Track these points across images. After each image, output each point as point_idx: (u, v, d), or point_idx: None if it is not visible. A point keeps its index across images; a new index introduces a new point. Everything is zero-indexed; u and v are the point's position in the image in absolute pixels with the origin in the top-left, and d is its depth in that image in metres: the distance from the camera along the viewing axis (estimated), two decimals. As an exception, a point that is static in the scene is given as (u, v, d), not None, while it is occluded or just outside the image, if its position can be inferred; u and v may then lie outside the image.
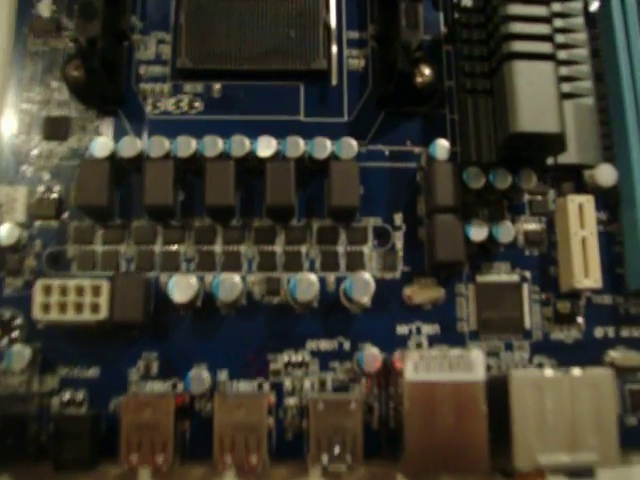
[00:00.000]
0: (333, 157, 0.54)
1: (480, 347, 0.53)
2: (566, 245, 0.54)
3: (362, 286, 0.51)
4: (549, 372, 0.46)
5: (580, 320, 0.54)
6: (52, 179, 0.55)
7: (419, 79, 0.54)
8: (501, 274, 0.55)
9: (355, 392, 0.52)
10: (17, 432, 0.49)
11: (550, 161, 0.55)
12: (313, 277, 0.51)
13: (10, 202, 0.54)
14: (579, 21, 0.56)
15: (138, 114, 0.56)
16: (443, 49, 0.58)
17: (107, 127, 0.56)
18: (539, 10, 0.52)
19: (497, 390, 0.47)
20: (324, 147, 0.53)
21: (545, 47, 0.52)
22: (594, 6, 0.60)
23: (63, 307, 0.51)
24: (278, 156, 0.54)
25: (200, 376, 0.51)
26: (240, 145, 0.53)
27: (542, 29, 0.52)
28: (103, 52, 0.53)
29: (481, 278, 0.54)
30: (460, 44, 0.56)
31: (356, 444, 0.48)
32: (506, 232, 0.53)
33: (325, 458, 0.48)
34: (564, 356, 0.53)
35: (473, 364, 0.46)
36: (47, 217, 0.54)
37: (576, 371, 0.46)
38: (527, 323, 0.54)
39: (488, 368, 0.51)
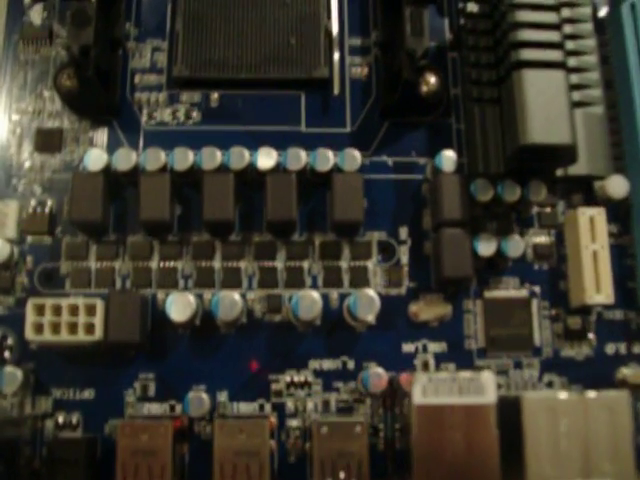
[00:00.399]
0: (336, 169, 0.52)
1: (488, 365, 0.51)
2: (577, 259, 0.52)
3: (367, 304, 0.49)
4: (563, 394, 0.45)
5: (591, 336, 0.53)
6: (44, 193, 0.53)
7: (424, 88, 0.53)
8: (509, 289, 0.53)
9: (360, 414, 0.50)
10: (9, 457, 0.47)
11: (559, 172, 0.53)
12: (316, 294, 0.49)
13: (0, 217, 0.52)
14: (588, 27, 0.54)
15: (133, 125, 0.54)
16: (448, 56, 0.56)
17: (101, 138, 0.54)
18: (549, 17, 0.51)
19: (508, 412, 0.45)
20: (327, 159, 0.51)
21: (555, 55, 0.50)
22: (603, 12, 0.58)
23: (56, 327, 0.49)
24: (279, 168, 0.52)
25: (199, 398, 0.49)
26: (239, 157, 0.51)
27: (552, 36, 0.50)
28: (97, 60, 0.51)
29: (489, 294, 0.53)
30: (466, 51, 0.54)
31: (362, 468, 0.47)
32: (515, 246, 0.52)
33: (330, 484, 0.46)
34: (575, 374, 0.52)
35: (484, 387, 0.45)
36: (39, 233, 0.52)
37: (591, 393, 0.45)
38: (537, 340, 0.52)
39: (497, 387, 0.49)
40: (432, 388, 0.45)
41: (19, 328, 0.50)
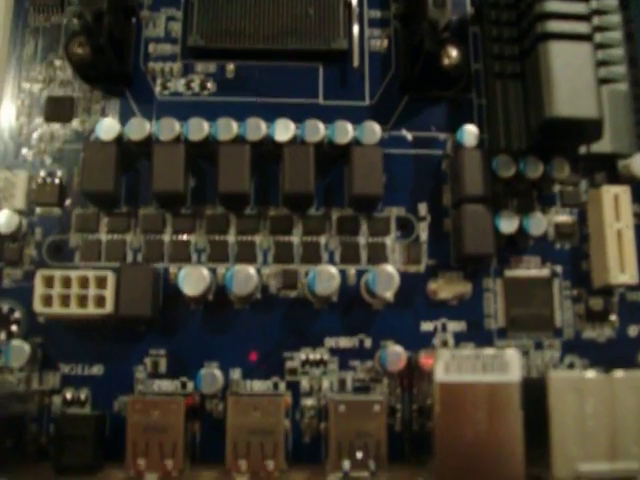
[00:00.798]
0: (355, 142, 0.50)
1: (508, 346, 0.50)
2: (600, 238, 0.51)
3: (386, 280, 0.48)
4: (590, 374, 0.43)
5: (613, 318, 0.51)
6: (54, 163, 0.52)
7: (446, 61, 0.51)
8: (531, 268, 0.51)
9: (377, 394, 0.49)
10: (16, 433, 0.46)
11: (582, 150, 0.52)
12: (333, 270, 0.48)
13: (9, 188, 0.50)
14: (613, 2, 0.53)
15: (146, 95, 0.53)
16: (470, 30, 0.55)
17: (113, 108, 0.53)
18: (576, -12, 0.49)
19: (532, 392, 0.43)
20: (345, 131, 0.50)
21: (582, 27, 0.49)
22: (628, -13, 0.56)
23: (65, 300, 0.47)
24: (296, 140, 0.50)
25: (212, 375, 0.47)
26: (256, 128, 0.50)
27: (579, 8, 0.49)
28: (110, 28, 0.49)
29: (510, 272, 0.51)
30: (488, 25, 0.53)
31: (380, 449, 0.45)
32: (537, 224, 0.50)
33: (347, 464, 0.45)
34: (596, 356, 0.50)
35: (508, 364, 0.43)
36: (48, 204, 0.51)
37: (618, 373, 0.43)
38: (558, 320, 0.51)
39: (518, 367, 0.48)
40: (455, 365, 0.43)
41: (27, 301, 0.48)
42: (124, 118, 0.52)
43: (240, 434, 0.45)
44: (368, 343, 0.50)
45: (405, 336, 0.50)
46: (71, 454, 0.46)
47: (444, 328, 0.50)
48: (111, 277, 0.47)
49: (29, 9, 0.54)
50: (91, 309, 0.47)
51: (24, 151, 0.52)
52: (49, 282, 0.47)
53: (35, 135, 0.52)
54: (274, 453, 0.45)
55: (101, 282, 0.47)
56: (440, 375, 0.43)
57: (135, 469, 0.45)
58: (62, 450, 0.46)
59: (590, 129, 0.48)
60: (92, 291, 0.47)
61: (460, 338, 0.50)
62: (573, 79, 0.47)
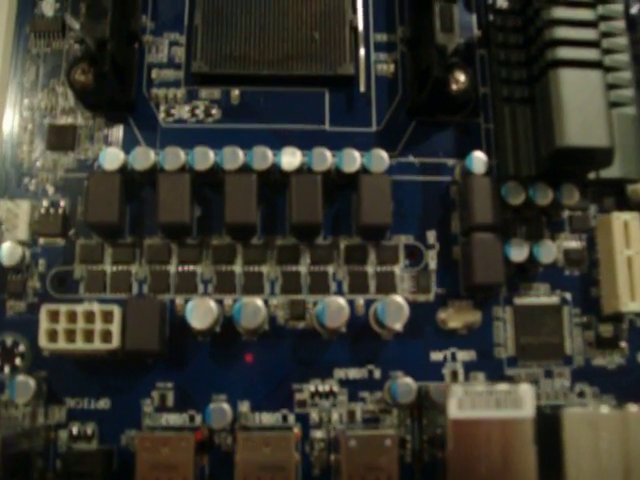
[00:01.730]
0: (362, 170, 0.50)
1: (519, 374, 0.50)
2: (610, 265, 0.50)
3: (395, 311, 0.48)
4: (604, 409, 0.43)
5: (623, 345, 0.51)
6: (57, 193, 0.51)
7: (454, 86, 0.51)
8: (540, 296, 0.51)
9: (387, 426, 0.48)
10: (24, 470, 0.45)
11: (592, 175, 0.51)
12: (342, 301, 0.47)
13: (12, 218, 0.49)
14: (620, 25, 0.52)
15: (150, 122, 0.52)
16: (477, 53, 0.54)
17: (116, 136, 0.52)
18: (585, 14, 0.49)
19: (545, 426, 0.43)
20: (353, 159, 0.49)
21: (593, 54, 0.48)
22: (635, 9, 0.56)
23: (71, 335, 0.46)
24: (303, 169, 0.50)
25: (221, 409, 0.47)
26: (263, 157, 0.49)
27: (589, 34, 0.48)
28: (113, 55, 0.48)
29: (519, 300, 0.51)
30: (495, 48, 0.52)
31: (391, 483, 0.45)
32: (547, 252, 0.50)
33: (358, 499, 0.45)
34: (607, 383, 0.50)
35: (521, 399, 0.43)
36: (52, 234, 0.50)
37: (632, 407, 0.43)
38: (568, 348, 0.51)
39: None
40: (468, 401, 0.43)
41: (31, 334, 0.48)
42: (127, 145, 0.51)
43: (250, 470, 0.45)
44: (377, 374, 0.49)
45: (414, 366, 0.49)
46: (79, 492, 0.45)
47: (454, 357, 0.50)
48: (117, 311, 0.47)
49: (30, 35, 0.53)
50: (97, 344, 0.46)
51: (26, 180, 0.51)
52: (54, 317, 0.46)
53: (37, 164, 0.51)
54: (285, 489, 0.45)
55: (107, 316, 0.47)
56: (453, 411, 0.43)
57: (145, 507, 0.44)
58: (70, 488, 0.45)
59: (601, 157, 0.48)
60: (98, 325, 0.46)
61: (470, 367, 0.50)
62: (584, 107, 0.47)
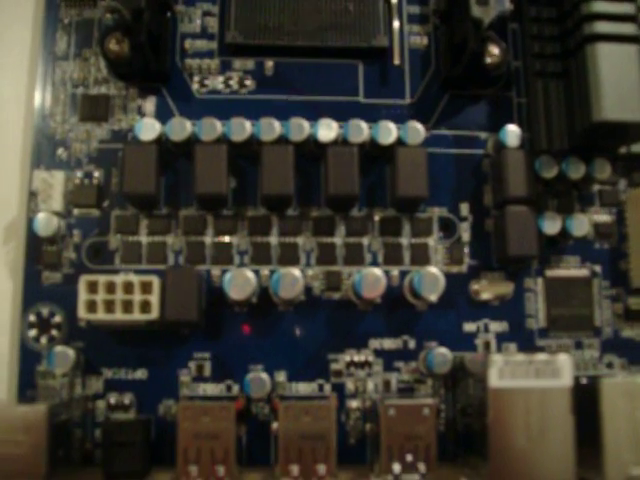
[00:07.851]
0: (398, 143, 0.50)
1: (549, 345, 0.51)
2: (639, 238, 0.51)
3: (431, 283, 0.48)
4: (641, 379, 0.44)
5: (651, 316, 0.52)
6: (91, 163, 0.50)
7: (488, 59, 0.51)
8: (570, 268, 0.52)
9: (421, 395, 0.49)
10: (65, 440, 0.46)
11: (623, 150, 0.52)
12: (379, 272, 0.48)
13: (46, 189, 0.49)
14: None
15: (184, 92, 0.52)
16: (509, 27, 0.54)
17: (150, 106, 0.51)
18: (623, -13, 0.49)
19: (583, 397, 0.44)
20: (389, 132, 0.49)
21: (630, 28, 0.48)
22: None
23: (110, 305, 0.46)
24: (338, 141, 0.50)
25: (260, 379, 0.47)
26: (299, 129, 0.49)
27: (627, 8, 0.48)
28: (148, 25, 0.48)
29: (550, 272, 0.52)
30: (528, 23, 0.52)
31: (430, 452, 0.46)
32: (580, 225, 0.50)
33: (397, 467, 0.45)
34: (635, 355, 0.51)
35: (560, 370, 0.43)
36: (86, 205, 0.50)
37: (669, 376, 0.44)
38: (597, 320, 0.51)
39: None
40: (508, 371, 0.43)
41: (68, 305, 0.48)
42: (161, 116, 0.51)
43: (291, 439, 0.45)
44: (412, 344, 0.50)
45: (448, 337, 0.50)
46: (120, 461, 0.46)
47: (486, 328, 0.50)
48: (156, 282, 0.47)
49: (61, 3, 0.52)
50: (137, 315, 0.46)
51: (59, 151, 0.50)
52: (93, 288, 0.46)
53: (71, 135, 0.51)
54: (326, 457, 0.45)
55: (146, 287, 0.47)
56: (494, 381, 0.43)
57: (187, 476, 0.45)
58: (111, 457, 0.45)
59: (635, 131, 0.48)
60: (137, 296, 0.46)
61: (502, 338, 0.50)
62: (620, 81, 0.47)
